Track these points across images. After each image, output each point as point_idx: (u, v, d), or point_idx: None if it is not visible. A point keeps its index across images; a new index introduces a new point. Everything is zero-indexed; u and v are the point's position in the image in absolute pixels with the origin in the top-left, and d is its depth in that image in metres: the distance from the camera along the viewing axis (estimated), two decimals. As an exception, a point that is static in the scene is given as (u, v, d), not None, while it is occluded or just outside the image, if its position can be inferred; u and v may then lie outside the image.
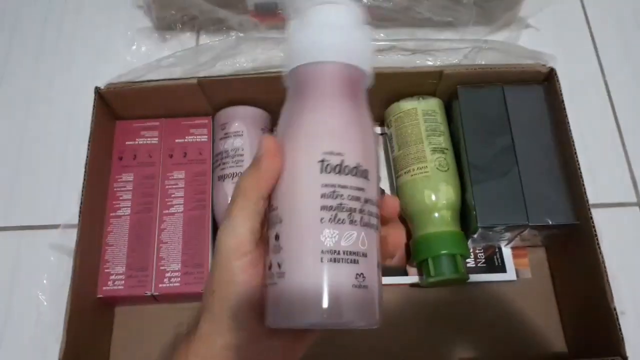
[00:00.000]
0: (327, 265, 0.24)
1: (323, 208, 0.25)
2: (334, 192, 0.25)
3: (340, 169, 0.25)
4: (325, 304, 0.24)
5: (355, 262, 0.24)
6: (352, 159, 0.26)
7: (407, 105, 0.51)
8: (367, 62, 0.28)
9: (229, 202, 0.27)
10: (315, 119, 0.27)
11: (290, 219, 0.26)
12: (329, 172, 0.25)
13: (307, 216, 0.25)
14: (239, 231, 0.26)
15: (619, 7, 0.64)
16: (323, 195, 0.25)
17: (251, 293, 0.27)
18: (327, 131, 0.26)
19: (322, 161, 0.25)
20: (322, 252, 0.24)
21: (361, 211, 0.25)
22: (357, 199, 0.25)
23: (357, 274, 0.24)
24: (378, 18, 0.59)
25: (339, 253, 0.24)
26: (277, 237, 0.26)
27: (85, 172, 0.46)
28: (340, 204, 0.25)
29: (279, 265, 0.25)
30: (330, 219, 0.25)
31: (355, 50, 0.28)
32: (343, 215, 0.25)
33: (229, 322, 0.27)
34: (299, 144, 0.26)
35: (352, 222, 0.25)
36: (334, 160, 0.25)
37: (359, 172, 0.26)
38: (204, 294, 0.28)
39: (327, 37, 0.27)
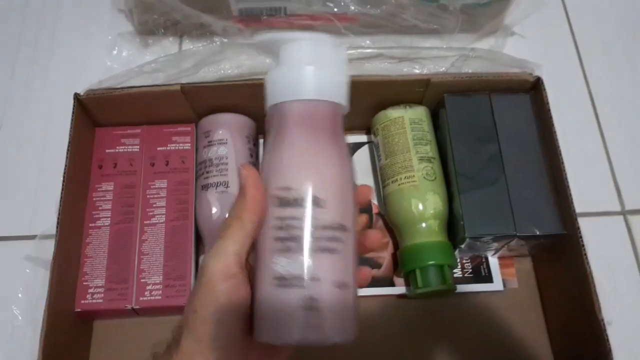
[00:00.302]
0: (276, 290, 0.27)
1: (276, 239, 0.27)
2: (285, 224, 0.27)
3: (291, 202, 0.27)
4: (279, 325, 0.27)
5: (304, 286, 0.27)
6: (303, 191, 0.27)
7: (394, 113, 0.50)
8: (328, 92, 0.29)
9: (222, 227, 0.29)
10: (272, 157, 0.29)
11: (257, 248, 0.29)
12: (281, 206, 0.28)
13: (264, 247, 0.28)
14: (227, 253, 0.28)
15: (602, 14, 0.64)
16: (276, 227, 0.27)
17: (233, 315, 0.28)
18: (279, 167, 0.28)
19: (276, 196, 0.28)
20: (273, 278, 0.27)
21: (313, 238, 0.27)
22: (309, 227, 0.27)
23: (306, 297, 0.26)
24: (364, 25, 0.59)
25: (288, 279, 0.27)
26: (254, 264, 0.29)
27: (63, 181, 0.45)
28: (291, 235, 0.27)
29: (253, 290, 0.28)
30: (281, 248, 0.27)
31: (310, 84, 0.29)
32: (293, 244, 0.27)
33: (210, 342, 0.28)
34: (263, 180, 0.29)
35: (302, 250, 0.27)
36: (285, 194, 0.28)
37: (311, 202, 0.27)
38: (185, 312, 0.29)
39: (282, 76, 0.29)
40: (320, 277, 0.27)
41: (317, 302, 0.27)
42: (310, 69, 0.29)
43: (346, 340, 0.27)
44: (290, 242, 0.27)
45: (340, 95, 0.30)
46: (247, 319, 0.28)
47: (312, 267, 0.27)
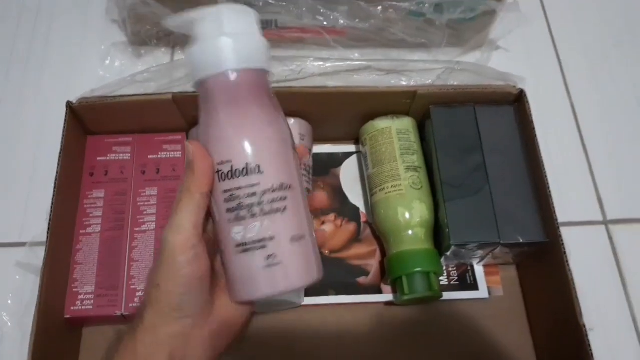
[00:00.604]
0: (240, 255, 0.29)
1: (227, 211, 0.29)
2: (231, 195, 0.29)
3: (231, 175, 0.29)
4: (248, 286, 0.29)
5: (263, 247, 0.29)
6: (240, 161, 0.29)
7: (381, 124, 0.51)
8: (243, 59, 0.30)
9: (175, 202, 0.30)
10: (205, 133, 0.30)
11: (215, 222, 0.31)
12: (224, 180, 0.29)
13: (220, 219, 0.30)
14: (185, 227, 0.29)
15: (583, 30, 0.66)
16: (225, 200, 0.29)
17: (195, 285, 0.29)
18: (213, 143, 0.30)
19: (217, 171, 0.29)
20: (235, 246, 0.29)
21: (260, 203, 0.29)
22: (253, 194, 0.29)
23: (267, 256, 0.29)
24: (353, 38, 0.60)
25: (247, 244, 0.29)
26: (214, 233, 0.31)
27: (54, 187, 0.45)
28: (239, 204, 0.29)
29: (220, 254, 0.31)
30: (234, 218, 0.29)
31: (223, 55, 0.29)
32: (243, 212, 0.29)
33: (174, 314, 0.29)
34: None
35: (252, 215, 0.29)
36: (225, 168, 0.29)
37: (249, 170, 0.29)
38: (147, 287, 0.30)
39: (197, 53, 0.30)
40: (275, 235, 0.29)
41: (277, 258, 0.29)
42: (222, 40, 0.29)
43: (309, 282, 0.30)
44: (240, 211, 0.29)
45: (257, 59, 0.30)
46: (208, 287, 0.30)
47: (266, 229, 0.29)
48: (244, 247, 0.29)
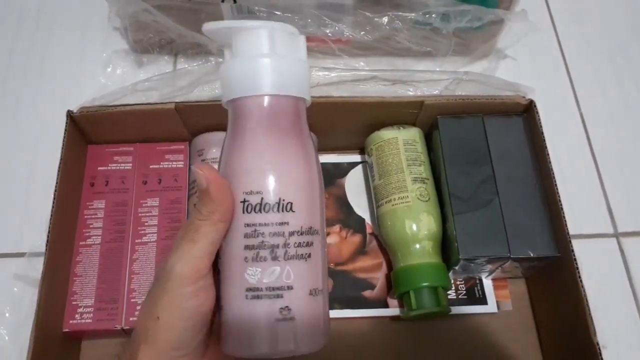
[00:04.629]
0: (249, 302, 0.26)
1: (246, 247, 0.26)
2: (255, 231, 0.26)
3: (260, 208, 0.26)
4: (250, 339, 0.26)
5: (279, 296, 0.26)
6: (273, 195, 0.26)
7: (387, 134, 0.50)
8: (288, 86, 0.28)
9: (187, 228, 0.27)
10: (235, 159, 0.27)
11: (224, 256, 0.27)
12: (250, 212, 0.26)
13: (234, 255, 0.26)
14: (198, 256, 0.26)
15: (592, 39, 0.65)
16: (246, 235, 0.26)
17: (198, 320, 0.27)
18: (245, 171, 0.27)
19: (243, 201, 0.26)
20: (246, 289, 0.26)
21: (285, 245, 0.26)
22: (281, 234, 0.26)
23: (281, 308, 0.26)
24: (358, 47, 0.59)
25: (261, 290, 0.26)
26: (219, 272, 0.28)
27: (54, 198, 0.44)
28: (262, 242, 0.26)
29: (220, 298, 0.27)
30: (252, 257, 0.26)
31: (273, 78, 0.27)
32: (265, 252, 0.26)
33: (173, 352, 0.26)
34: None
35: (274, 258, 0.26)
36: (254, 200, 0.26)
37: (281, 207, 0.26)
38: (142, 320, 0.27)
39: (242, 70, 0.27)
40: (294, 285, 0.26)
41: (292, 312, 0.26)
42: (268, 61, 0.27)
43: (315, 349, 0.27)
44: (261, 250, 0.26)
45: (301, 88, 0.28)
46: (209, 326, 0.28)
47: (286, 276, 0.26)
48: (257, 292, 0.26)
